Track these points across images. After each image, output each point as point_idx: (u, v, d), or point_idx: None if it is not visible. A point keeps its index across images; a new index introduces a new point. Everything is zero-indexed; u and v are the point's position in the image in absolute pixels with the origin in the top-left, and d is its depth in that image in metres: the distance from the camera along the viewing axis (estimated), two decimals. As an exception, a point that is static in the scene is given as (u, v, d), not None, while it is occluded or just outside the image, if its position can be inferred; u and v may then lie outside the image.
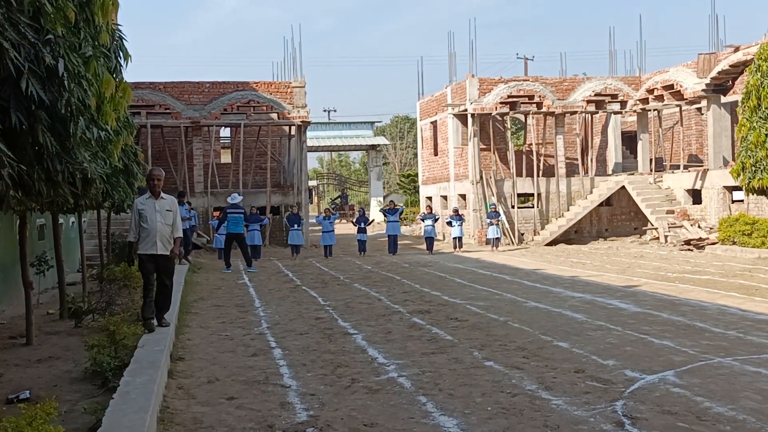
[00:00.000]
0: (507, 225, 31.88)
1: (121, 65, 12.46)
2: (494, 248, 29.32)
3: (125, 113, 14.60)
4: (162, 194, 10.83)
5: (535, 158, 33.04)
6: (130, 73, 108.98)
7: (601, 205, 33.17)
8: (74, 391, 8.21)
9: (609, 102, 34.55)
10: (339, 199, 64.41)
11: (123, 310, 13.09)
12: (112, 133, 10.10)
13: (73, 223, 21.67)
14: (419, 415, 7.12)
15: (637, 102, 33.68)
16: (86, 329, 12.05)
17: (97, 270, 19.22)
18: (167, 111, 31.65)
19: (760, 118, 23.96)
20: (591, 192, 33.25)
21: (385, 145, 61.57)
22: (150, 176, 10.87)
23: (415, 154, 63.71)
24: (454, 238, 29.49)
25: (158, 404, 7.22)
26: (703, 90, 29.63)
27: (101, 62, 9.28)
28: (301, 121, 32.73)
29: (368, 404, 7.51)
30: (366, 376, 8.68)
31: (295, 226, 27.79)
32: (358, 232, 28.87)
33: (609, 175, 34.80)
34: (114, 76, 11.28)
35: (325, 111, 71.87)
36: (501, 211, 31.26)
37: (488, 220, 30.09)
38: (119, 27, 12.39)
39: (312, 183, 67.83)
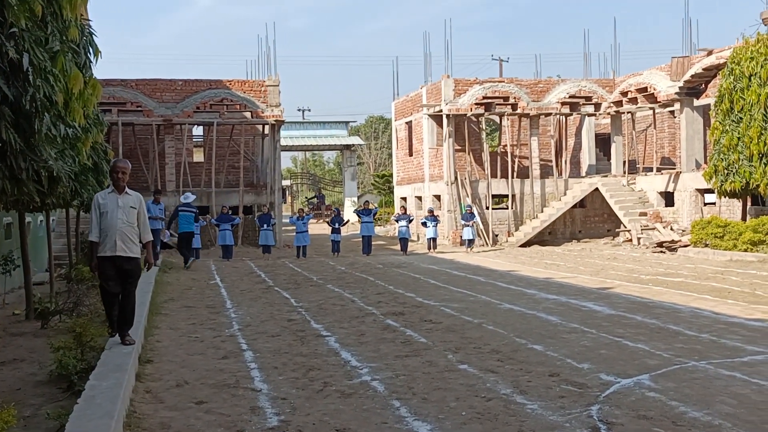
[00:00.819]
0: (482, 226, 31.84)
1: (90, 61, 12.22)
2: (469, 249, 29.26)
3: (95, 110, 14.38)
4: (127, 189, 9.64)
5: (509, 159, 33.05)
6: (103, 70, 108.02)
7: (574, 206, 33.22)
8: (38, 395, 8.02)
9: (583, 104, 34.62)
10: (316, 198, 64.16)
11: (91, 311, 12.87)
12: (80, 131, 9.89)
13: (41, 221, 21.34)
14: (392, 420, 6.99)
15: (611, 104, 33.78)
16: (53, 330, 11.83)
17: (66, 270, 18.95)
18: (139, 108, 31.30)
19: (733, 121, 24.13)
20: (565, 194, 33.31)
21: (360, 145, 61.43)
22: (114, 168, 9.69)
23: (390, 155, 63.73)
24: (429, 239, 29.41)
25: (125, 409, 7.04)
26: (676, 93, 29.78)
27: (69, 57, 9.07)
28: (275, 120, 32.50)
29: (340, 409, 7.36)
30: (338, 379, 8.53)
31: (265, 226, 27.63)
32: (332, 232, 28.72)
33: (583, 177, 34.90)
34: (83, 72, 11.06)
35: (299, 110, 71.60)
36: (476, 212, 31.21)
37: (463, 222, 29.98)
38: (89, 22, 12.16)
39: (286, 182, 67.51)
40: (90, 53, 12.12)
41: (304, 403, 7.56)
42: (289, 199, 71.29)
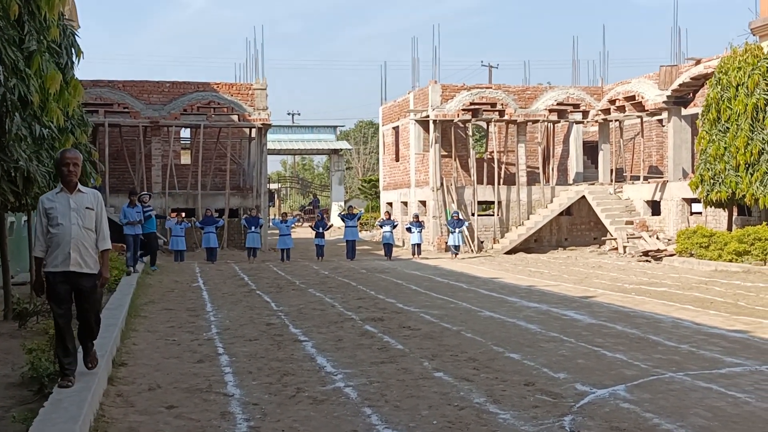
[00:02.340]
0: (467, 232, 31.78)
1: (72, 62, 12.11)
2: (453, 256, 29.19)
3: (79, 111, 14.27)
4: (80, 187, 7.69)
5: (496, 166, 33.01)
6: (94, 71, 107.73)
7: (561, 214, 33.22)
8: (9, 397, 7.91)
9: (571, 111, 34.63)
10: (312, 204, 64.12)
11: (68, 312, 12.74)
12: (56, 131, 9.79)
13: (25, 221, 21.18)
14: (363, 428, 6.92)
15: (599, 112, 33.81)
16: (30, 332, 11.70)
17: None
18: (126, 110, 31.21)
19: (720, 131, 24.19)
20: (551, 201, 33.29)
21: (348, 149, 61.40)
22: (62, 160, 7.56)
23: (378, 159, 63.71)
24: (413, 245, 29.35)
25: (93, 413, 6.95)
26: (664, 102, 29.81)
27: (47, 58, 8.98)
28: (262, 124, 32.45)
29: (311, 415, 7.29)
30: (312, 385, 8.46)
31: (253, 228, 27.58)
32: (316, 236, 28.71)
33: (570, 184, 34.88)
34: (65, 73, 10.96)
35: (289, 114, 71.55)
36: (462, 217, 31.09)
37: (450, 228, 29.76)
38: (71, 23, 12.04)
39: (274, 186, 67.40)
40: (72, 54, 12.00)
41: (275, 410, 7.49)
42: (277, 202, 71.12)
